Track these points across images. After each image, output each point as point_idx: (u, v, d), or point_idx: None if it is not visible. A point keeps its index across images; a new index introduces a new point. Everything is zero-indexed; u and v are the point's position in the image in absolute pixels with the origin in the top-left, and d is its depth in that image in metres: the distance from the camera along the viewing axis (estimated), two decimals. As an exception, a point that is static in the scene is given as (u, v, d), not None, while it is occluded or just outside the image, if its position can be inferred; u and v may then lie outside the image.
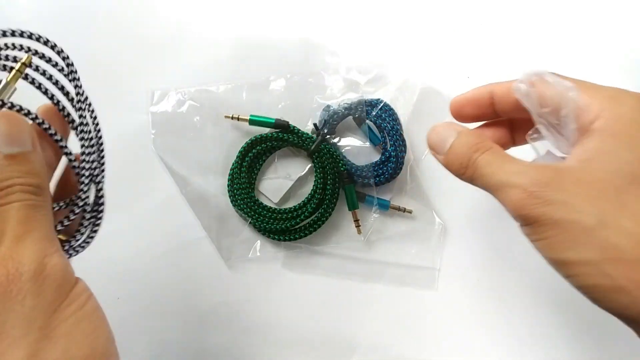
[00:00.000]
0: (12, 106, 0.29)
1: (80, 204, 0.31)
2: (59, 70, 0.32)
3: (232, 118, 0.53)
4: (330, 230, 0.54)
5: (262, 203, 0.53)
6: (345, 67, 0.55)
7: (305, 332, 0.53)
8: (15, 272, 0.24)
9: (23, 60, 0.30)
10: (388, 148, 0.53)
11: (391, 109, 0.53)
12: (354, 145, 0.54)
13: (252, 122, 0.53)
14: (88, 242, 0.33)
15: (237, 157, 0.53)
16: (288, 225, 0.52)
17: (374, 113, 0.53)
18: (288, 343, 0.53)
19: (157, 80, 0.55)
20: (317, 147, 0.51)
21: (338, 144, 0.54)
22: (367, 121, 0.53)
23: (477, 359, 0.52)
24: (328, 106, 0.54)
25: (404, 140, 0.53)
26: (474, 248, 0.53)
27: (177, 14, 0.57)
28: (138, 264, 0.53)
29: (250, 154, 0.53)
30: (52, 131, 0.30)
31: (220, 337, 0.53)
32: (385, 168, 0.52)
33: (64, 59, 0.32)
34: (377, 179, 0.53)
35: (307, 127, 0.54)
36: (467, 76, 0.55)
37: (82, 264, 0.54)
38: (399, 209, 0.53)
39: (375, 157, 0.54)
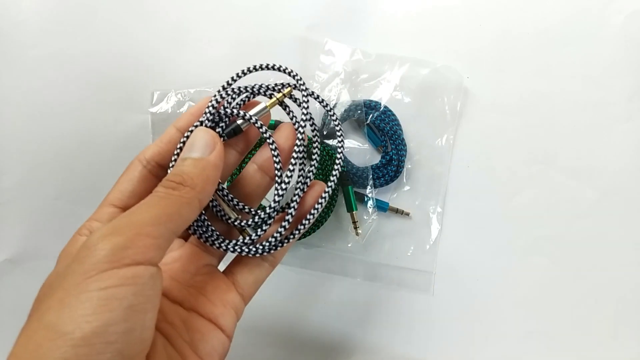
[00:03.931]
0: (254, 121, 0.34)
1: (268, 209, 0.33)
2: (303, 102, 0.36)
3: (232, 119, 0.53)
4: (329, 231, 0.54)
5: (261, 204, 0.53)
6: (344, 68, 0.54)
7: (304, 332, 0.53)
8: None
9: (284, 92, 0.35)
10: (389, 151, 0.53)
11: (391, 111, 0.53)
12: (353, 147, 0.54)
13: (252, 123, 0.53)
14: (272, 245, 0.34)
15: (236, 158, 0.53)
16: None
17: (374, 115, 0.53)
18: (287, 343, 0.53)
19: (157, 80, 0.56)
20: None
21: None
22: (367, 123, 0.53)
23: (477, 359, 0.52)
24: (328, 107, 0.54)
25: (404, 143, 0.53)
26: (472, 249, 0.53)
27: (177, 15, 0.57)
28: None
29: (249, 155, 0.53)
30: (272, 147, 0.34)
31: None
32: (385, 171, 0.53)
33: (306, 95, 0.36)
34: (378, 181, 0.53)
35: (307, 129, 0.54)
36: (467, 76, 0.55)
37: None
38: (397, 211, 0.53)
39: (375, 158, 0.54)
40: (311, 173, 0.35)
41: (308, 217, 0.34)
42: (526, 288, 0.53)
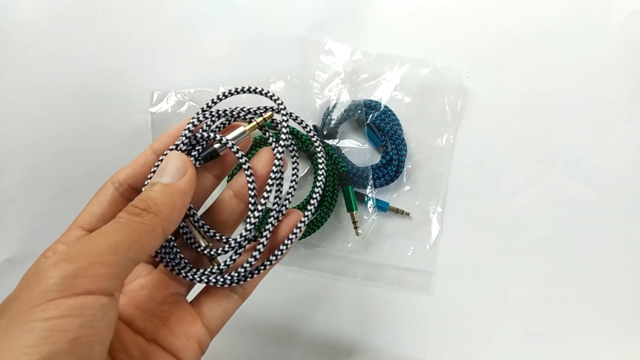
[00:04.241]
0: (231, 146, 0.33)
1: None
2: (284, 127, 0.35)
3: (232, 119, 0.53)
4: (329, 231, 0.54)
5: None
6: (344, 68, 0.54)
7: (304, 332, 0.53)
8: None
9: (265, 116, 0.34)
10: (389, 151, 0.53)
11: (391, 111, 0.53)
12: (353, 147, 0.54)
13: (252, 123, 0.53)
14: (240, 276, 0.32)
15: (236, 158, 0.53)
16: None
17: (374, 115, 0.53)
18: (286, 343, 0.53)
19: (157, 80, 0.56)
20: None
21: (338, 145, 0.54)
22: (367, 123, 0.53)
23: (477, 359, 0.52)
24: (328, 108, 0.54)
25: (404, 143, 0.53)
26: (472, 249, 0.53)
27: (176, 15, 0.57)
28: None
29: (249, 155, 0.53)
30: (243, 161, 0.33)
31: (218, 337, 0.52)
32: (386, 171, 0.53)
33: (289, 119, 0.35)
34: (378, 181, 0.53)
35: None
36: (467, 76, 0.55)
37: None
38: (397, 211, 0.53)
39: (375, 158, 0.54)
40: (287, 201, 0.34)
41: (281, 247, 0.32)
42: (526, 288, 0.53)
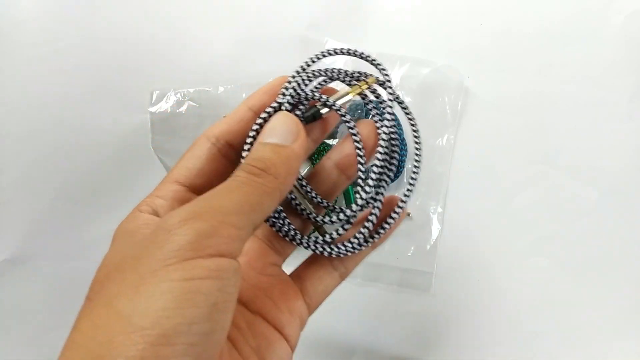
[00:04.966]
0: (338, 109, 0.30)
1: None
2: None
3: (232, 119, 0.53)
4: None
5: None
6: (344, 67, 0.54)
7: (303, 333, 0.53)
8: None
9: (368, 81, 0.32)
10: (388, 150, 0.53)
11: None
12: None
13: (252, 122, 0.53)
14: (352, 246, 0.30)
15: (236, 158, 0.53)
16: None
17: (374, 115, 0.53)
18: (286, 344, 0.53)
19: (157, 80, 0.56)
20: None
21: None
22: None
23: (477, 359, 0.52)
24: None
25: (405, 143, 0.53)
26: (473, 250, 0.53)
27: (176, 14, 0.57)
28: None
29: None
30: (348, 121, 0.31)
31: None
32: (384, 169, 0.52)
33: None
34: (377, 180, 0.53)
35: (307, 128, 0.54)
36: (467, 76, 0.54)
37: (81, 263, 0.54)
38: (398, 210, 0.53)
39: (375, 158, 0.54)
40: (413, 179, 0.32)
41: (385, 225, 0.31)
42: (527, 288, 0.53)
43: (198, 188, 0.28)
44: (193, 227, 0.20)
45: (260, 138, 0.27)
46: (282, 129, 0.27)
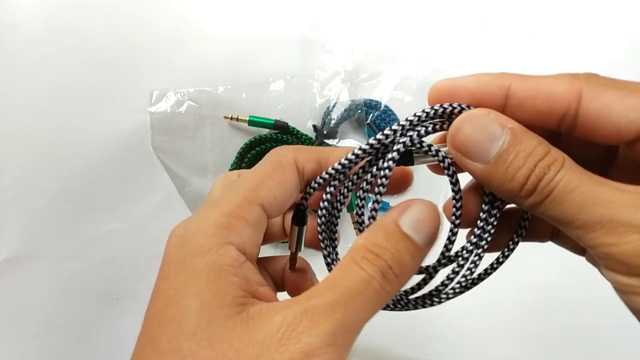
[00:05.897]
0: (447, 166, 0.27)
1: None
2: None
3: (231, 119, 0.53)
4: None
5: None
6: (344, 67, 0.54)
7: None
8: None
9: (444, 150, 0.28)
10: (388, 149, 0.53)
11: (391, 111, 0.53)
12: (353, 146, 0.54)
13: (252, 122, 0.53)
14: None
15: (236, 158, 0.53)
16: (287, 226, 0.51)
17: (374, 114, 0.53)
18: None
19: (156, 80, 0.55)
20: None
21: (338, 144, 0.54)
22: (367, 122, 0.53)
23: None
24: (328, 108, 0.53)
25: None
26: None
27: (176, 14, 0.57)
28: (136, 263, 0.53)
29: (249, 155, 0.53)
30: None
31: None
32: (384, 169, 0.52)
33: None
34: (377, 180, 0.53)
35: (307, 128, 0.54)
36: (467, 77, 0.54)
37: (81, 263, 0.54)
38: (398, 210, 0.53)
39: (375, 158, 0.54)
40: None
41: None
42: (527, 288, 0.53)
43: (273, 214, 0.27)
44: (331, 356, 0.20)
45: (402, 220, 0.24)
46: (430, 229, 0.24)
